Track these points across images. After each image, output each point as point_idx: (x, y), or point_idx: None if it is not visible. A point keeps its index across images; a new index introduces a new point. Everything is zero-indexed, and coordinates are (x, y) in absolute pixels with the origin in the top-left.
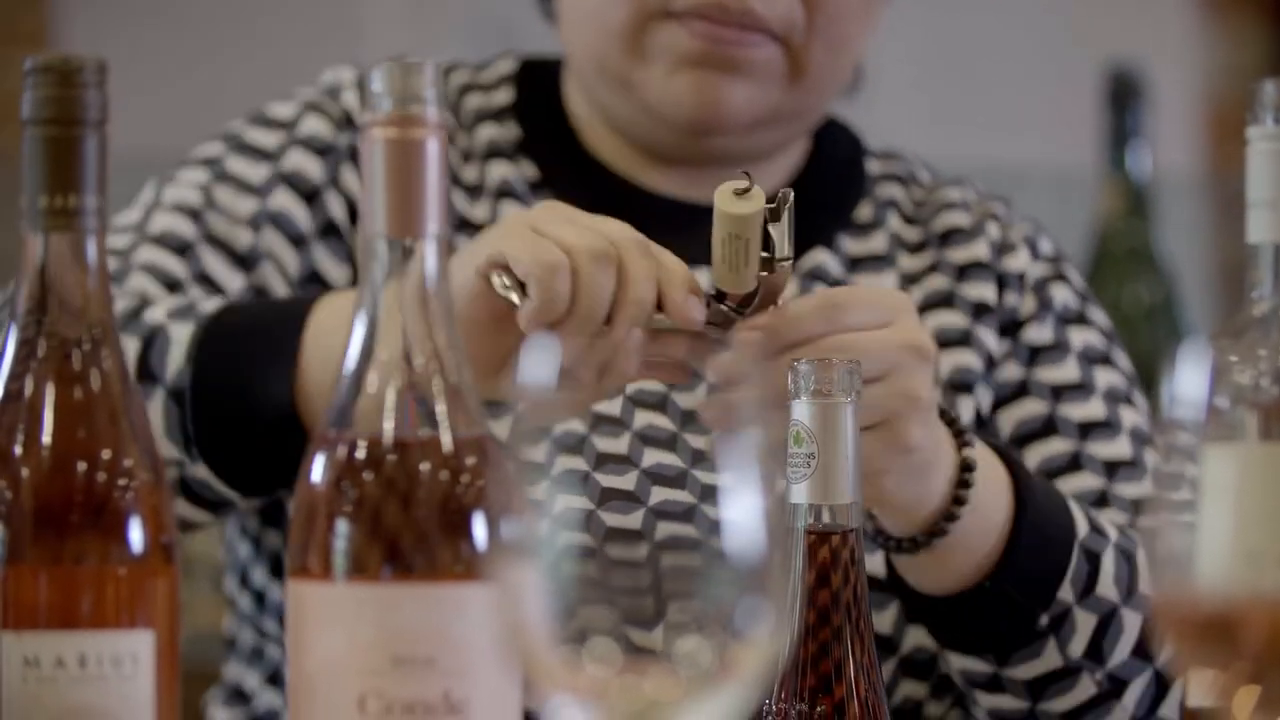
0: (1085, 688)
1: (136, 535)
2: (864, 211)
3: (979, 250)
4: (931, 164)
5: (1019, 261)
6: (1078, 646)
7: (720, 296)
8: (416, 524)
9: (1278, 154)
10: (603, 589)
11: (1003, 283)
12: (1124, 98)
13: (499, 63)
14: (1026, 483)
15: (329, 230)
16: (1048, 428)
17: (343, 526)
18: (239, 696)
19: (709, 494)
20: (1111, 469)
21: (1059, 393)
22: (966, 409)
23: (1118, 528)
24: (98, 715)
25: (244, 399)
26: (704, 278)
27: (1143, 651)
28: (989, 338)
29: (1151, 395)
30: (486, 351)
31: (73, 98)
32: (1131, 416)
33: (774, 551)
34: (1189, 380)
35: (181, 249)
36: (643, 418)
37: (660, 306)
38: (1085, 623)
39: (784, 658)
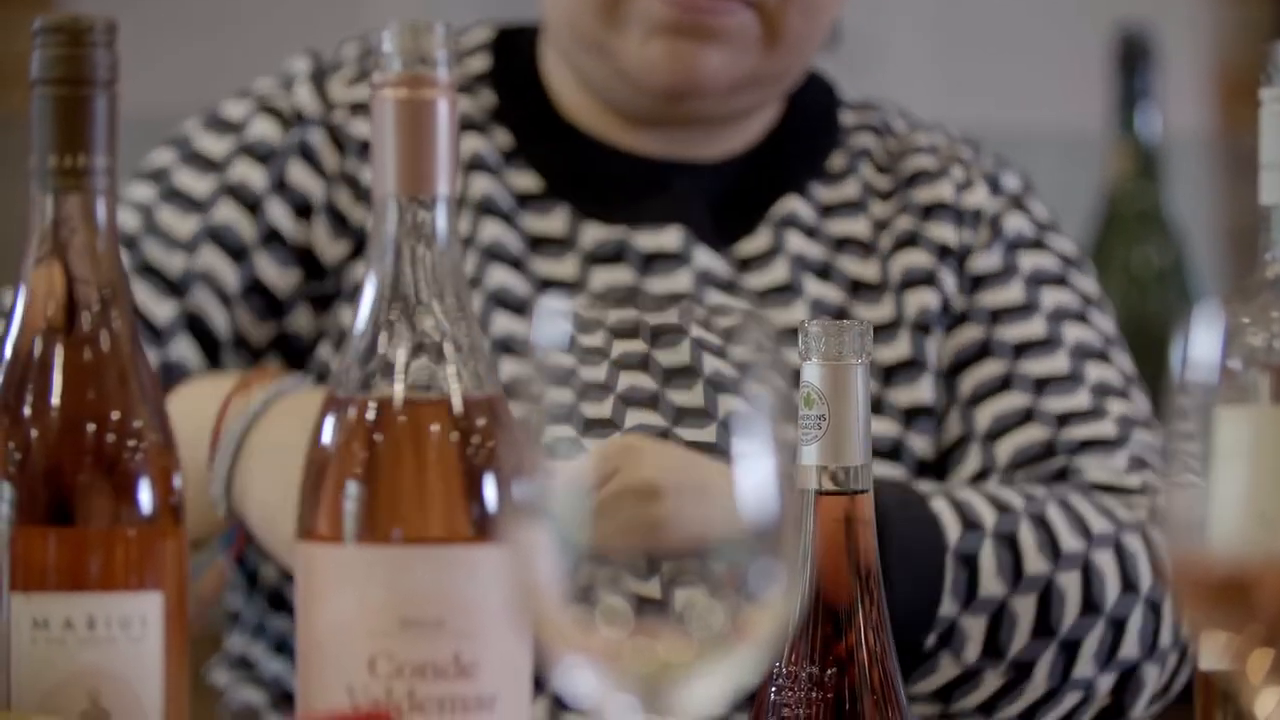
0: (991, 683)
1: (145, 496)
2: (837, 161)
3: (943, 191)
4: (909, 113)
5: (977, 197)
6: (972, 652)
7: None
8: (427, 485)
9: None
10: (617, 550)
11: (961, 220)
12: (1133, 59)
13: (475, 30)
14: (885, 515)
15: (271, 238)
16: (982, 351)
17: (353, 488)
18: (243, 664)
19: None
20: (1041, 385)
21: (997, 315)
22: (931, 350)
23: (1021, 493)
24: (106, 677)
25: None
26: (680, 236)
27: (1045, 629)
28: (949, 278)
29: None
30: None
31: (82, 57)
32: (1077, 332)
33: (785, 513)
34: (1201, 343)
35: None
36: (626, 380)
37: None
38: (974, 627)
39: (795, 620)
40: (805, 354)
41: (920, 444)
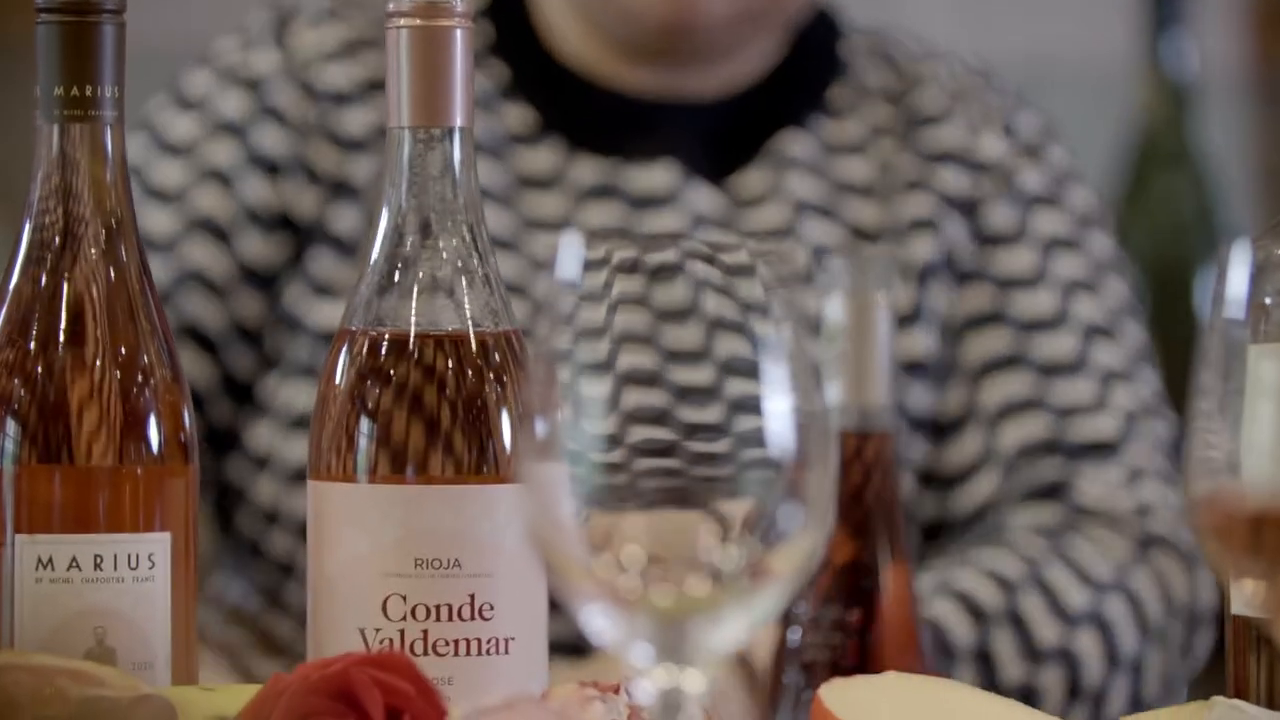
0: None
1: (154, 434)
2: (840, 94)
3: (952, 134)
4: (920, 39)
5: (988, 144)
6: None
7: None
8: (441, 422)
9: None
10: (635, 491)
11: (969, 169)
12: None
13: None
14: None
15: (250, 214)
16: (990, 319)
17: (365, 424)
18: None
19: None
20: (1048, 370)
21: (1007, 284)
22: (930, 302)
23: (1017, 555)
24: (112, 617)
25: None
26: (675, 171)
27: (1074, 692)
28: (954, 229)
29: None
30: None
31: None
32: (1088, 308)
33: (805, 453)
34: (1232, 280)
35: None
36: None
37: None
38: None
39: (817, 560)
40: (826, 287)
41: (915, 399)
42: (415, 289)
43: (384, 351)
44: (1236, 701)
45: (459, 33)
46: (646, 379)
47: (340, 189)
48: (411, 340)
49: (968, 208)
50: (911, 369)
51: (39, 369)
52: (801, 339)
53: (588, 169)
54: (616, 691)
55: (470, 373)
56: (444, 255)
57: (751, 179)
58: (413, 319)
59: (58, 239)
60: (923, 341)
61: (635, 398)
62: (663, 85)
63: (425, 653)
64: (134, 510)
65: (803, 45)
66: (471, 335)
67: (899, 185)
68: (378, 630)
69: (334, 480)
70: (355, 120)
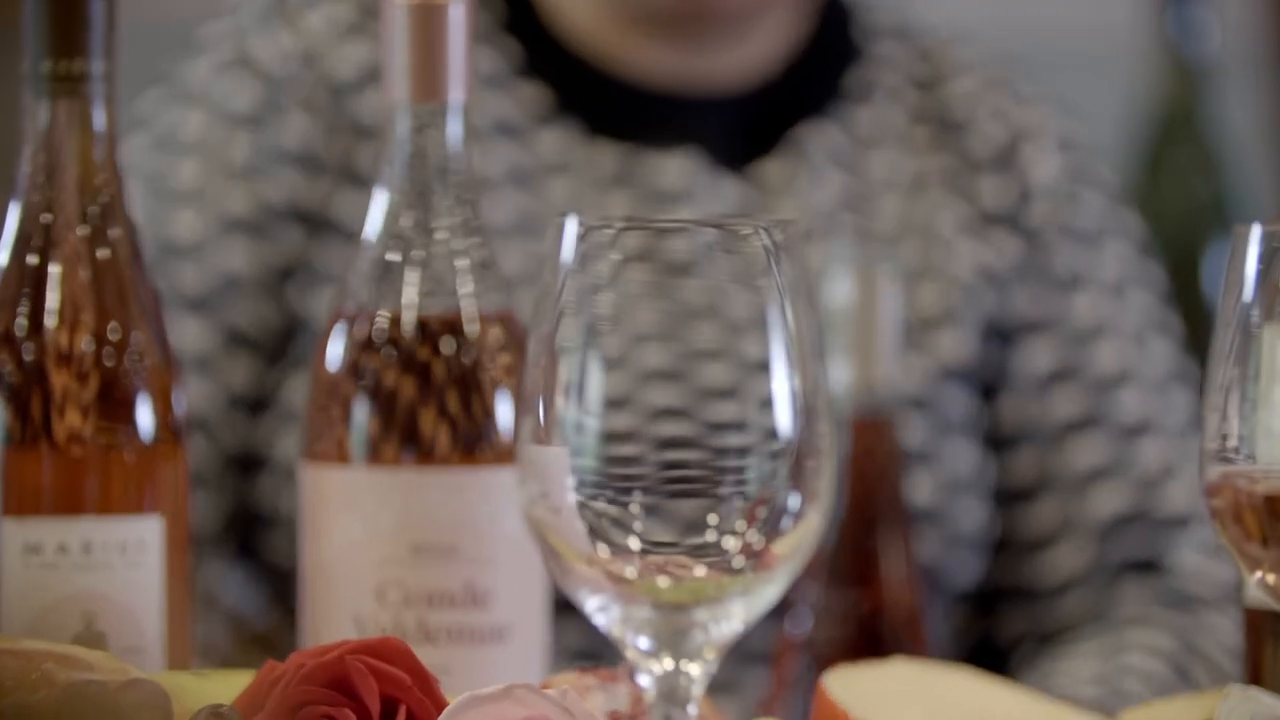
0: None
1: (145, 417)
2: (864, 80)
3: (994, 141)
4: (940, 27)
5: (1037, 163)
6: None
7: None
8: (438, 405)
9: None
10: (638, 475)
11: (1014, 183)
12: None
13: None
14: None
15: (262, 210)
16: (1054, 365)
17: (361, 407)
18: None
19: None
20: (1124, 432)
21: (1070, 332)
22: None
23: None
24: (101, 602)
25: None
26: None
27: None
28: (995, 238)
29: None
30: None
31: None
32: (1160, 350)
33: (812, 438)
34: (1246, 259)
35: None
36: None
37: None
38: None
39: (824, 543)
40: (832, 269)
41: (954, 404)
42: (411, 268)
43: (379, 332)
44: (1251, 689)
45: (456, 9)
46: (650, 364)
47: (355, 178)
48: (407, 321)
49: (1009, 220)
50: (949, 374)
51: (27, 350)
52: (805, 323)
53: (607, 155)
54: (616, 680)
55: (467, 354)
56: (441, 235)
57: (774, 168)
58: (409, 300)
59: (46, 217)
60: (962, 348)
61: (638, 383)
62: (679, 67)
63: (421, 640)
64: (123, 493)
65: (823, 27)
66: (468, 316)
67: (933, 184)
68: (373, 617)
69: (329, 463)
70: (369, 106)
